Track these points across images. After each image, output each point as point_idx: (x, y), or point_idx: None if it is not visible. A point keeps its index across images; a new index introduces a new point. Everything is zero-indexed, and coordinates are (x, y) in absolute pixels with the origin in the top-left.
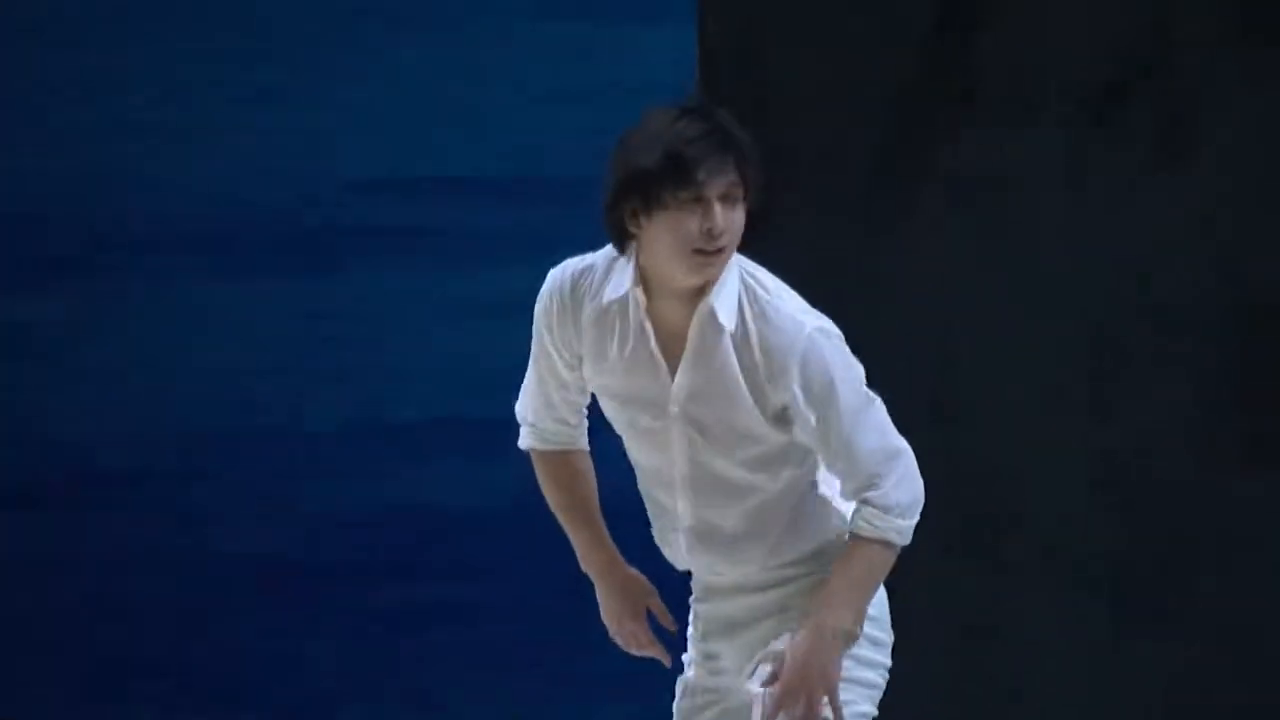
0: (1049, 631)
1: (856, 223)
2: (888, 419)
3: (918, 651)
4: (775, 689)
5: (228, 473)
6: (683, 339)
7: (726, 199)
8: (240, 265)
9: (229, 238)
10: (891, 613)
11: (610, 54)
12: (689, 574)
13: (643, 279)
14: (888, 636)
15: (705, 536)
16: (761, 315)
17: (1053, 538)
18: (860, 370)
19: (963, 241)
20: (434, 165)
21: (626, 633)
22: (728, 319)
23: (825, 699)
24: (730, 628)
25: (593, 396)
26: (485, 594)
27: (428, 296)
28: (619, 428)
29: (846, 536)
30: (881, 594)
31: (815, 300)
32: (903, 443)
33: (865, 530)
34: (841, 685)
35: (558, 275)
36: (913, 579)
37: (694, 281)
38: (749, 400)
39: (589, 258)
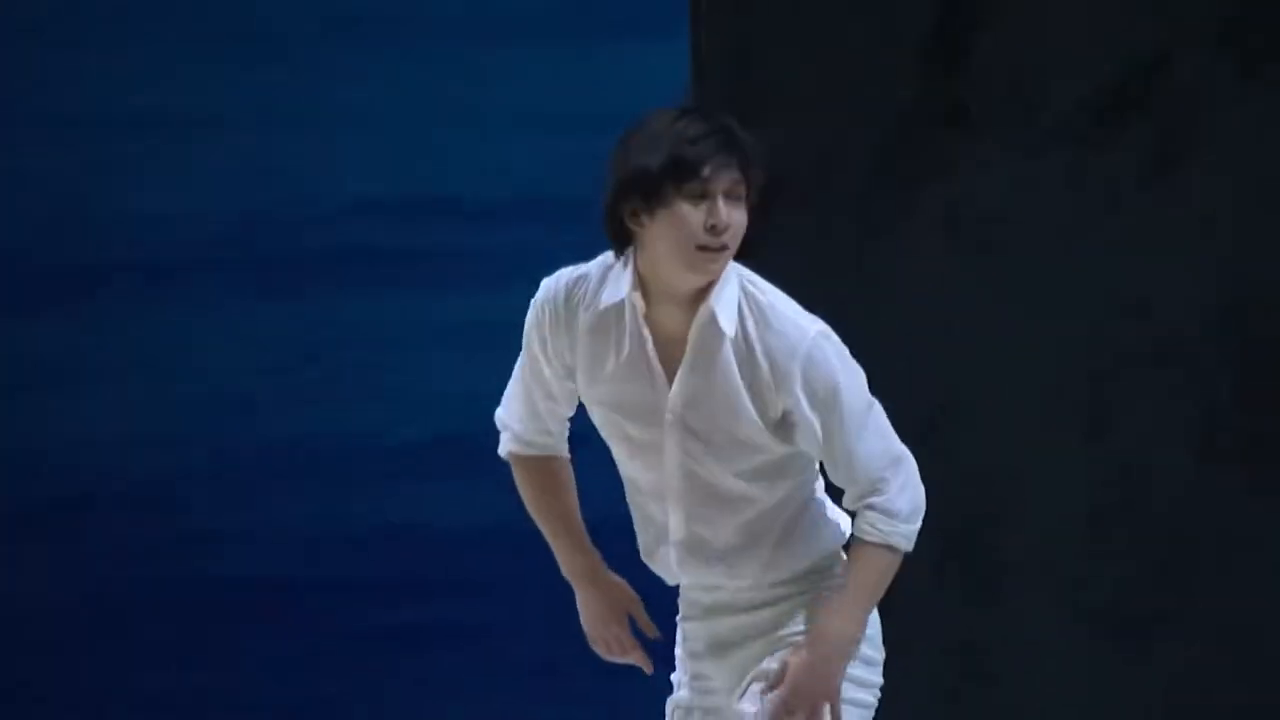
0: (1049, 632)
1: (853, 228)
2: (889, 424)
3: (917, 652)
4: (777, 696)
5: (228, 492)
6: (681, 345)
7: (730, 196)
8: (240, 286)
9: (230, 260)
10: (890, 621)
11: (605, 71)
12: (676, 590)
13: (641, 284)
14: (879, 655)
15: (696, 550)
16: (763, 320)
17: (1052, 540)
18: (862, 375)
19: (961, 245)
20: (432, 186)
21: (610, 637)
22: (728, 324)
23: (826, 708)
24: (720, 647)
25: (580, 407)
26: (485, 613)
27: (427, 317)
28: (610, 439)
29: (841, 553)
30: (873, 612)
31: (812, 305)
32: (904, 448)
33: (870, 535)
34: None
35: (551, 284)
36: (911, 581)
37: (695, 281)
38: (749, 408)
39: (583, 267)
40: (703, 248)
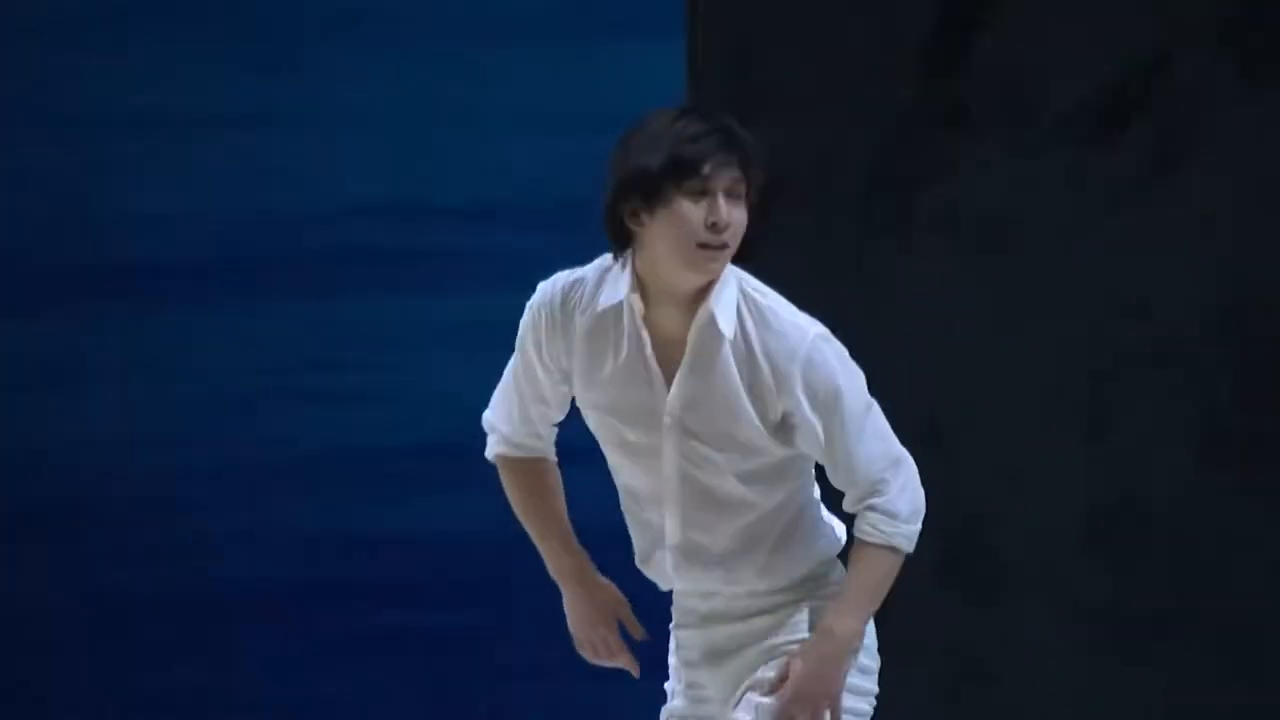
0: (1048, 633)
1: (852, 229)
2: (888, 425)
3: (916, 654)
4: (779, 697)
5: (226, 494)
6: (679, 347)
7: (730, 195)
8: (239, 289)
9: (228, 261)
10: (890, 623)
11: (605, 72)
12: (667, 596)
13: (639, 286)
14: (875, 663)
15: (693, 555)
16: (762, 322)
17: (1052, 541)
18: (862, 377)
19: (961, 246)
20: (432, 187)
21: (597, 639)
22: (727, 326)
23: (827, 711)
24: (714, 656)
25: (573, 411)
26: (481, 619)
27: (427, 318)
28: (606, 445)
29: (836, 560)
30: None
31: (812, 306)
32: (903, 449)
33: (873, 536)
34: None
35: (547, 288)
36: (911, 582)
37: (696, 280)
38: (749, 410)
39: (579, 270)
40: (703, 245)
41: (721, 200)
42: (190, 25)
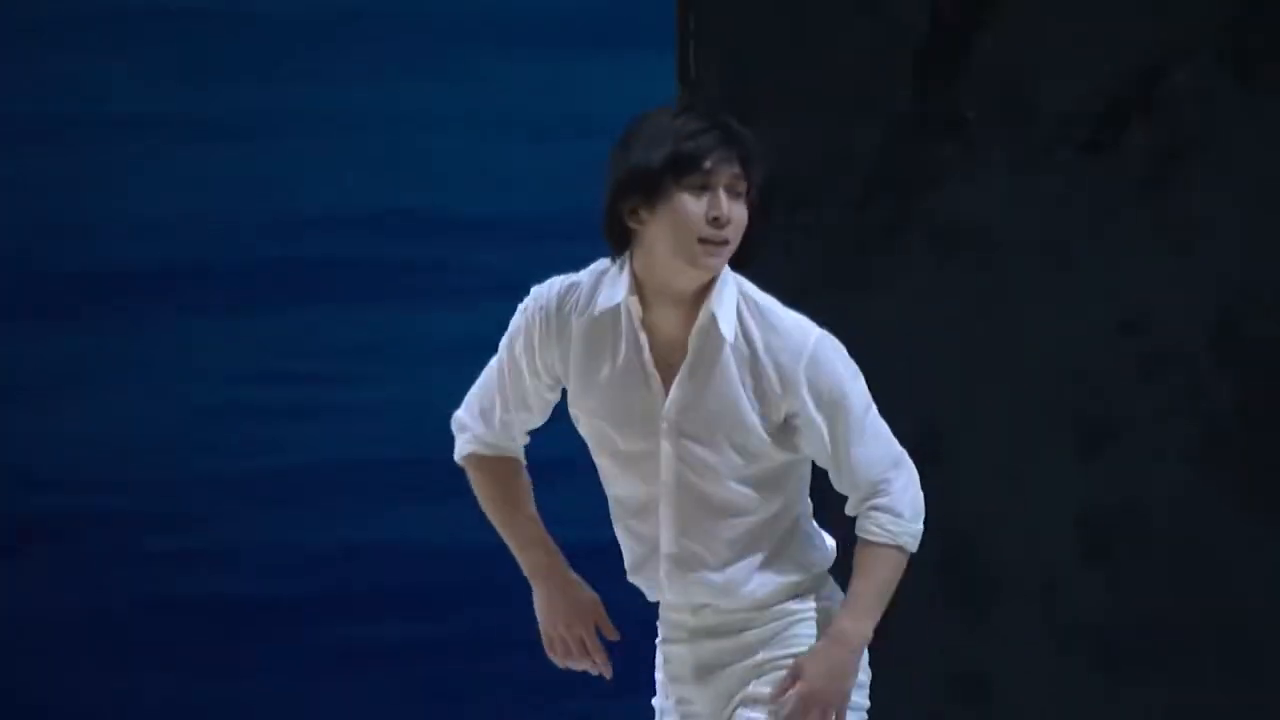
0: (1044, 647)
1: (848, 237)
2: (886, 426)
3: (910, 667)
4: (790, 700)
5: (218, 507)
6: (678, 350)
7: (730, 191)
8: (237, 294)
9: (207, 273)
10: (883, 636)
11: (600, 81)
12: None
13: (638, 288)
14: (867, 676)
15: (687, 564)
16: (765, 323)
17: (1049, 553)
18: (862, 377)
19: (958, 253)
20: (423, 199)
21: (571, 638)
22: (728, 329)
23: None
24: (703, 671)
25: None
26: (472, 629)
27: (418, 329)
28: (600, 453)
29: (828, 576)
30: None
31: (807, 313)
32: (902, 449)
33: (879, 536)
34: None
35: (543, 291)
36: (904, 596)
37: (696, 276)
38: (750, 413)
39: (574, 275)
40: (704, 241)
41: (723, 195)
42: (188, 29)
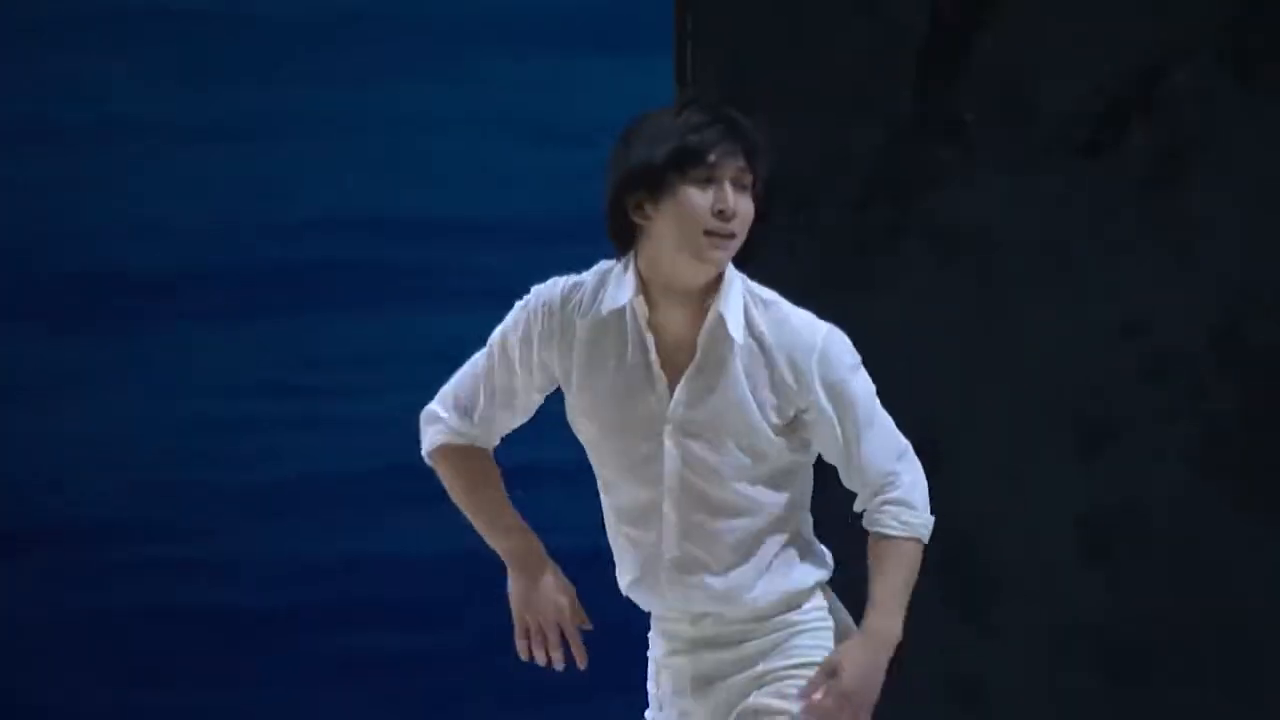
0: (1043, 650)
1: (848, 239)
2: (890, 418)
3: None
4: (829, 696)
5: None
6: (683, 351)
7: (736, 184)
8: (235, 299)
9: (207, 275)
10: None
11: (600, 85)
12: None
13: (644, 288)
14: None
15: (688, 568)
16: (774, 319)
17: (1049, 556)
18: (865, 371)
19: (958, 255)
20: (419, 203)
21: (547, 624)
22: (736, 329)
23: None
24: (702, 683)
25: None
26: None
27: (419, 332)
28: (600, 459)
29: (827, 587)
30: None
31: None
32: (907, 441)
33: (898, 530)
34: None
35: (546, 290)
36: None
37: (702, 271)
38: (756, 412)
39: (577, 275)
40: (710, 234)
41: (728, 188)
42: (188, 30)
